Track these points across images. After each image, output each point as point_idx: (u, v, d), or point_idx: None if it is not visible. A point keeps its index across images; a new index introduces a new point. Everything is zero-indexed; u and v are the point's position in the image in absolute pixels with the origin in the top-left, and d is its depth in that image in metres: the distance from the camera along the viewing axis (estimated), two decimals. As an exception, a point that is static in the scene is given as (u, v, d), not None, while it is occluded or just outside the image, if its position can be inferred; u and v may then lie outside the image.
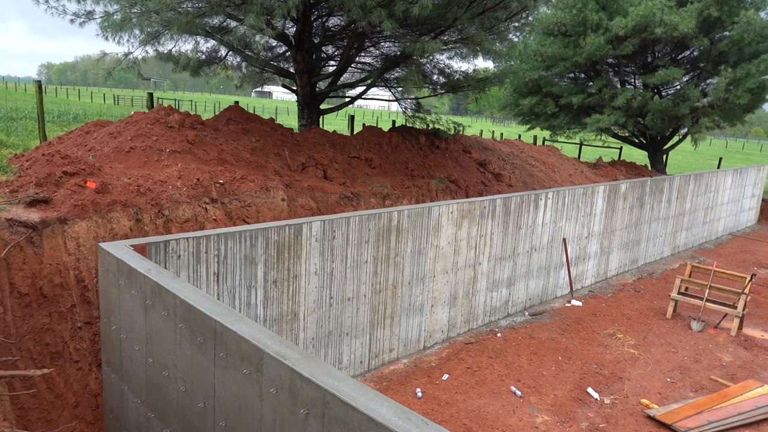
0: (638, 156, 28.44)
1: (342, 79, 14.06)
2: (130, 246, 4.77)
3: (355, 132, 16.31)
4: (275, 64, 13.40)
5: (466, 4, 9.56)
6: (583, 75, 21.68)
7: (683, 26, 16.65)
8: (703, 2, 17.42)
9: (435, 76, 13.99)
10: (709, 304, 9.37)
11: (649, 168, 22.30)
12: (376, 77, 12.86)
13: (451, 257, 8.02)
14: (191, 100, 60.81)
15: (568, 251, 10.39)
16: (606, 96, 18.81)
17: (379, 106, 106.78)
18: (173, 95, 76.88)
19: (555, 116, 20.63)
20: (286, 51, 13.89)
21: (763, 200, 20.67)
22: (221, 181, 7.83)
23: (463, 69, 13.78)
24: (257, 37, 8.01)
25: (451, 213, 7.84)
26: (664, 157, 23.27)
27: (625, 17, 17.48)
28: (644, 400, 6.69)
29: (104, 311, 4.85)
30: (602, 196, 11.08)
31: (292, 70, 13.81)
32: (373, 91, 14.90)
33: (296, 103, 13.40)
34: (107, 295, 4.73)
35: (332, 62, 14.14)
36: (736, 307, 9.18)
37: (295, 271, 6.10)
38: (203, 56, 12.95)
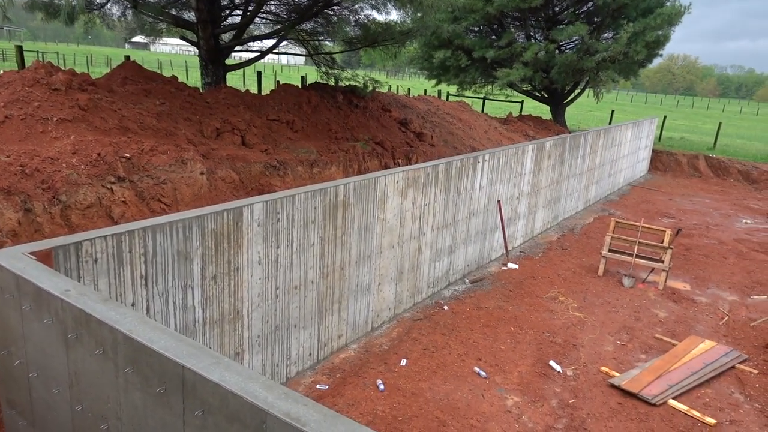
0: (536, 110, 29.26)
1: (248, 31, 12.68)
2: (30, 254, 3.65)
3: (262, 91, 14.98)
4: (170, 12, 11.70)
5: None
6: (489, 29, 21.51)
7: (589, -21, 16.74)
8: (606, -45, 17.61)
9: (350, 29, 12.98)
10: (637, 260, 9.59)
11: (552, 122, 22.90)
12: (290, 28, 11.64)
13: (397, 230, 7.41)
14: (57, 53, 54.15)
15: (503, 213, 10.17)
16: (516, 49, 18.76)
17: (285, 61, 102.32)
18: (33, 46, 68.06)
19: (465, 70, 20.37)
20: (182, -3, 12.20)
21: (652, 150, 21.99)
22: (127, 155, 6.57)
23: (380, 21, 12.89)
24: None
25: (397, 182, 7.18)
26: (564, 111, 23.99)
27: (534, -31, 17.29)
28: (604, 368, 6.61)
29: (0, 341, 3.72)
30: (531, 155, 10.92)
31: (189, 18, 12.18)
32: (282, 46, 13.62)
33: (197, 58, 11.88)
34: (4, 321, 3.60)
35: (237, 12, 12.64)
36: (662, 261, 9.47)
37: (237, 262, 5.19)
38: (79, 2, 10.99)
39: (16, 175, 5.36)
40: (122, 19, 13.24)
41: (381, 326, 7.42)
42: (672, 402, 6.03)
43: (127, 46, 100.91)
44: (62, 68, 7.65)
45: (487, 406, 5.71)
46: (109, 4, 11.97)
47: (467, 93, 23.12)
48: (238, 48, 13.00)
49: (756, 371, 6.86)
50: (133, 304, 4.38)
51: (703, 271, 10.48)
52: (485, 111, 25.13)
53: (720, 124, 27.60)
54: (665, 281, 9.47)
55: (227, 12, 12.90)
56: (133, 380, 2.81)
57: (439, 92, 25.93)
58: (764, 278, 10.29)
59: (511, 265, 9.99)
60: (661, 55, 20.91)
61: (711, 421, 5.76)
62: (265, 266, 5.50)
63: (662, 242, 9.80)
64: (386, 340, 7.00)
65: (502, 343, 7.05)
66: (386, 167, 10.84)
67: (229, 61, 12.77)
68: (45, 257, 3.73)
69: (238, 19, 12.71)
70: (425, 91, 26.91)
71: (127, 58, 10.53)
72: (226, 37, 12.40)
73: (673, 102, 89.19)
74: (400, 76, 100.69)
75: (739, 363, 7.04)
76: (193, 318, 4.91)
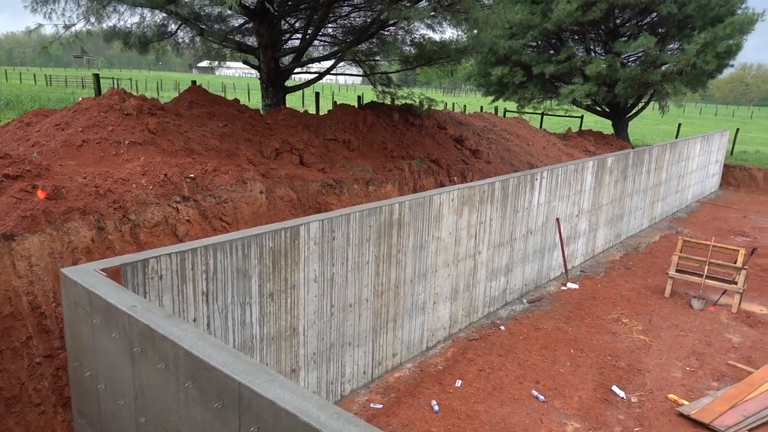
0: (597, 124, 28.49)
1: (306, 53, 13.04)
2: (101, 270, 3.85)
3: (320, 111, 15.32)
4: (234, 38, 12.21)
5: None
6: (547, 44, 21.21)
7: (652, -10, 16.27)
8: (670, -35, 17.06)
9: (407, 48, 13.12)
10: (708, 281, 9.10)
11: (614, 136, 22.22)
12: (346, 50, 11.87)
13: (452, 248, 7.35)
14: (130, 79, 57.45)
15: (562, 231, 9.92)
16: (576, 63, 18.39)
17: (342, 81, 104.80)
18: (109, 73, 72.59)
19: (524, 86, 20.13)
20: (244, 23, 12.70)
21: (723, 165, 20.93)
22: (192, 175, 6.86)
23: (435, 40, 12.96)
24: (219, 9, 6.92)
25: (452, 200, 7.15)
26: (627, 125, 23.23)
27: (593, -18, 16.96)
28: (671, 396, 6.28)
29: (73, 352, 3.94)
30: (591, 171, 10.63)
31: (251, 44, 12.66)
32: (339, 67, 13.92)
33: (258, 81, 12.30)
34: (76, 334, 3.81)
35: (297, 36, 13.05)
36: (736, 283, 8.94)
37: (293, 280, 5.29)
38: (151, 31, 11.64)
39: (91, 195, 5.70)
40: (190, 45, 13.92)
41: (436, 346, 7.35)
42: (748, 434, 5.65)
43: (194, 71, 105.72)
44: (134, 94, 8.11)
45: (546, 431, 5.53)
46: (179, 32, 12.62)
47: (526, 109, 22.81)
48: (297, 70, 13.39)
49: (844, 403, 6.33)
50: (194, 320, 4.54)
51: (781, 293, 9.83)
52: (543, 126, 24.69)
53: (799, 136, 25.94)
54: (739, 304, 8.93)
55: (287, 36, 13.32)
56: (192, 395, 2.90)
57: (496, 108, 25.72)
58: None
59: (570, 285, 9.70)
60: (732, 65, 19.97)
61: (792, 456, 5.36)
62: (321, 284, 5.58)
63: (735, 262, 9.27)
64: (441, 360, 6.93)
65: (562, 366, 6.83)
66: (441, 185, 10.81)
67: (288, 83, 13.14)
68: (114, 274, 3.93)
69: (297, 42, 13.10)
70: (481, 107, 26.74)
71: (194, 82, 11.04)
72: (285, 60, 12.79)
73: (747, 113, 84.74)
74: (456, 93, 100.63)
75: (824, 394, 6.52)
76: (251, 334, 5.03)
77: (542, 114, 25.48)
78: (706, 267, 9.20)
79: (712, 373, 6.91)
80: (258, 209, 7.40)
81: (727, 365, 7.13)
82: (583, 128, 24.24)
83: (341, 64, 13.81)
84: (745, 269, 8.95)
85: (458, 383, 6.34)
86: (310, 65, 13.30)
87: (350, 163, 9.78)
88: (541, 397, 6.08)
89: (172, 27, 12.08)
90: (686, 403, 6.13)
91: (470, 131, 14.71)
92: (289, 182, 8.25)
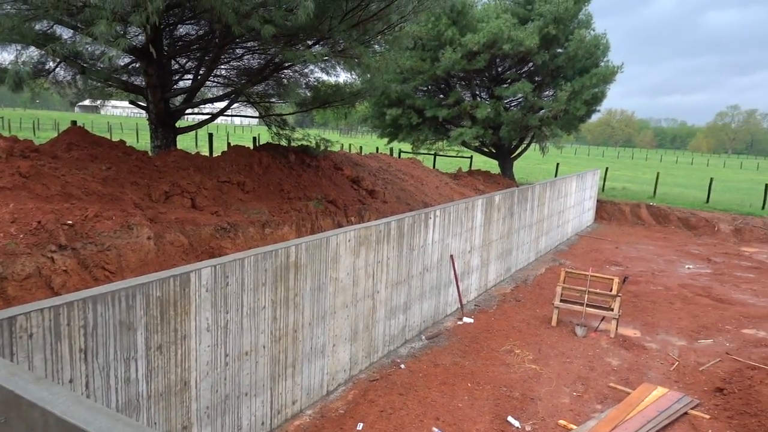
0: (486, 164, 30.18)
1: (199, 94, 12.76)
2: (-43, 332, 3.45)
3: (214, 153, 14.96)
4: (120, 77, 11.70)
5: (341, 14, 9.01)
6: (436, 89, 22.36)
7: (528, 42, 17.79)
8: (543, 21, 18.79)
9: (302, 91, 13.26)
10: (589, 309, 9.79)
11: (501, 176, 23.62)
12: (240, 91, 11.79)
13: (351, 289, 7.36)
14: (2, 117, 52.91)
15: (456, 267, 10.28)
16: (465, 108, 19.49)
17: (238, 122, 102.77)
18: (-24, 110, 66.34)
19: (417, 128, 20.97)
20: (130, 63, 12.24)
21: (597, 201, 22.86)
22: (70, 222, 6.39)
23: (330, 83, 13.24)
24: (107, 49, 6.64)
25: (349, 241, 7.19)
26: (512, 164, 24.83)
27: (475, 33, 18.24)
28: (561, 421, 6.60)
29: None
30: (481, 209, 11.18)
31: (138, 83, 12.20)
32: (234, 108, 13.75)
33: (146, 121, 11.82)
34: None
35: (188, 76, 12.75)
36: (612, 309, 9.69)
37: (184, 330, 5.03)
38: (27, 68, 10.86)
39: (-52, 247, 5.12)
40: (72, 84, 13.13)
41: (337, 389, 7.25)
42: (629, 452, 6.05)
43: (76, 109, 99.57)
44: (5, 135, 7.48)
45: (447, 467, 5.58)
46: (57, 69, 11.88)
47: (420, 150, 23.74)
48: (189, 111, 13.04)
49: (708, 416, 6.99)
50: (71, 381, 4.16)
51: (651, 317, 10.77)
52: (436, 166, 25.75)
53: (658, 173, 29.08)
54: (616, 329, 9.67)
55: (178, 76, 13.00)
56: (64, 467, 2.63)
57: (391, 150, 26.51)
58: (709, 322, 10.64)
59: (466, 319, 10.02)
60: (599, 111, 22.14)
61: (668, 469, 5.79)
62: (214, 333, 5.34)
63: (611, 290, 10.08)
64: (342, 404, 6.83)
65: (460, 401, 6.98)
66: (339, 225, 10.88)
67: (180, 123, 12.76)
68: (-26, 335, 3.53)
69: (188, 83, 12.81)
70: (377, 149, 27.45)
71: (74, 122, 10.40)
72: (176, 100, 12.44)
73: (614, 154, 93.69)
74: (353, 134, 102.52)
75: (692, 409, 7.17)
76: (137, 392, 4.68)
77: (435, 154, 26.62)
78: (586, 296, 9.91)
79: (596, 397, 7.37)
80: (146, 256, 7.01)
81: (608, 387, 7.64)
82: (472, 168, 25.58)
83: (236, 105, 13.66)
84: (620, 296, 9.75)
85: (360, 426, 6.26)
86: (202, 106, 13.02)
87: (245, 206, 9.59)
88: (442, 434, 6.16)
89: (51, 64, 11.37)
90: (575, 427, 6.47)
91: (367, 172, 15.00)
92: (180, 227, 7.92)
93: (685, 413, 7.03)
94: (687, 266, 15.32)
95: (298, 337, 6.50)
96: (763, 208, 23.82)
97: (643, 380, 7.93)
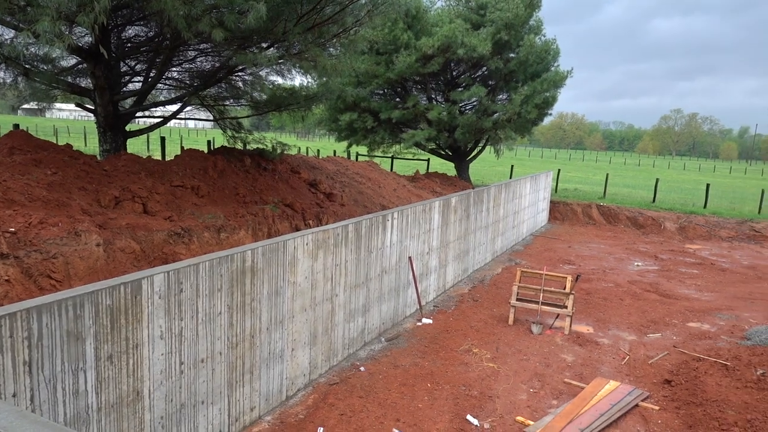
0: (442, 167, 30.52)
1: (150, 96, 12.44)
2: None
3: (167, 157, 14.61)
4: (65, 79, 11.28)
5: (295, 17, 8.95)
6: (392, 92, 22.48)
7: (481, 48, 18.09)
8: (495, 26, 19.15)
9: (256, 94, 13.10)
10: (544, 307, 10.01)
11: (458, 178, 23.92)
12: (192, 94, 11.55)
13: (309, 293, 7.31)
14: (-63, 120, 50.13)
15: (414, 269, 10.34)
16: (420, 111, 19.66)
17: (192, 125, 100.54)
18: None
19: (373, 131, 21.02)
20: (77, 64, 11.83)
21: (550, 201, 23.43)
22: (12, 229, 6.12)
23: (286, 86, 13.12)
24: (50, 48, 6.39)
25: (307, 244, 7.14)
26: (468, 167, 25.19)
27: (430, 37, 18.44)
28: (519, 418, 6.72)
29: None
30: (438, 210, 11.29)
31: (85, 85, 11.81)
32: (187, 111, 13.47)
33: (94, 124, 11.43)
34: None
35: (138, 78, 12.41)
36: (566, 307, 9.94)
37: (136, 339, 4.88)
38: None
39: None
40: (13, 86, 12.59)
41: (296, 394, 7.17)
42: (584, 445, 6.21)
43: (19, 112, 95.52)
44: (-62, 139, 7.11)
45: (408, 468, 5.60)
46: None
47: (377, 153, 23.80)
48: (140, 114, 12.70)
49: (657, 407, 7.25)
50: (14, 395, 3.98)
51: (603, 313, 11.10)
52: (394, 169, 25.87)
53: (607, 175, 30.03)
54: (570, 326, 9.92)
55: (127, 78, 12.64)
56: (8, 484, 2.51)
57: (349, 153, 26.50)
58: (657, 317, 11.05)
59: (425, 320, 10.09)
60: (550, 114, 22.70)
61: (620, 460, 5.97)
62: (168, 340, 5.21)
63: (565, 288, 10.33)
64: (302, 409, 6.76)
65: (420, 401, 7.02)
66: (297, 229, 10.79)
67: (131, 127, 12.40)
68: None
69: (139, 85, 12.47)
70: (334, 152, 27.37)
71: (16, 126, 9.97)
72: (126, 103, 12.09)
73: (566, 156, 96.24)
74: (310, 137, 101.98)
75: (642, 401, 7.41)
76: (86, 404, 4.51)
77: (392, 157, 26.73)
78: (541, 294, 10.14)
79: (552, 392, 7.54)
80: (95, 264, 6.78)
81: (563, 383, 7.83)
82: (429, 171, 25.82)
83: (189, 108, 13.39)
84: (573, 294, 10.01)
85: (320, 431, 6.21)
86: (154, 109, 12.70)
87: (200, 211, 9.40)
88: (402, 435, 6.18)
89: (-11, 66, 10.86)
90: (532, 423, 6.60)
91: (324, 175, 14.94)
92: (131, 233, 7.70)
93: (636, 405, 7.27)
94: (636, 264, 15.87)
95: (256, 343, 6.41)
96: (705, 206, 24.92)
97: (597, 375, 8.16)
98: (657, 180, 28.37)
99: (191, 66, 12.70)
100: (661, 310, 11.53)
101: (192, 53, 12.13)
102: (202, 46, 11.67)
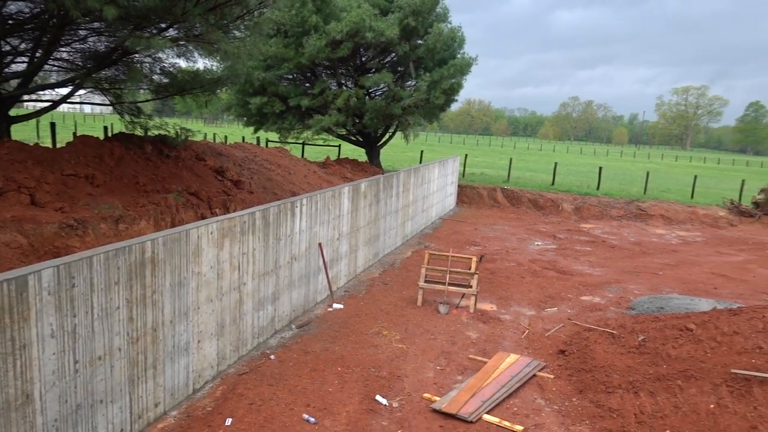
0: (354, 153, 30.63)
1: (37, 78, 11.53)
2: None
3: (58, 144, 13.64)
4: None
5: (195, -3, 8.60)
6: (302, 77, 22.20)
7: (389, 32, 18.25)
8: (403, 12, 19.37)
9: (157, 77, 12.49)
10: (450, 287, 10.41)
11: (369, 163, 24.12)
12: (85, 77, 10.83)
13: (215, 282, 7.16)
14: None
15: (325, 255, 10.38)
16: (329, 97, 19.57)
17: (89, 110, 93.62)
18: None
19: (283, 117, 20.68)
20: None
21: (458, 186, 24.21)
22: None
23: (189, 68, 12.60)
24: None
25: (211, 233, 6.97)
26: (379, 152, 25.44)
27: (339, 22, 18.35)
28: (426, 394, 6.99)
29: None
30: (347, 196, 11.37)
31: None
32: (80, 94, 12.60)
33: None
34: None
35: (22, 58, 11.44)
36: (471, 287, 10.39)
37: (23, 339, 4.58)
38: None
39: None
40: None
41: (204, 386, 7.03)
42: (486, 416, 6.57)
43: None
44: None
45: (318, 451, 5.68)
46: None
47: (288, 139, 23.46)
48: (26, 98, 11.74)
49: (552, 376, 7.79)
50: None
51: (505, 291, 11.70)
52: (305, 156, 25.65)
53: (511, 159, 31.43)
54: (475, 304, 10.38)
55: (9, 59, 11.63)
56: None
57: (258, 139, 25.92)
58: (554, 292, 11.81)
59: (336, 306, 10.18)
60: (457, 100, 23.37)
61: (519, 428, 6.38)
62: (60, 339, 4.93)
63: (470, 269, 10.78)
64: (210, 401, 6.65)
65: (330, 385, 7.11)
66: (203, 218, 10.48)
67: (16, 111, 11.44)
68: None
69: (24, 66, 11.51)
70: (243, 138, 26.66)
71: None
72: (10, 84, 11.12)
73: (474, 141, 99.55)
74: (218, 123, 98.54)
75: (539, 371, 7.94)
76: (-33, 411, 4.20)
77: (303, 144, 26.46)
78: (448, 275, 10.52)
79: (458, 368, 7.89)
80: (-26, 260, 6.26)
81: (468, 359, 8.22)
82: (341, 157, 25.83)
83: (83, 91, 12.54)
84: (477, 274, 10.47)
85: (228, 422, 6.15)
86: (41, 92, 11.78)
87: (96, 201, 8.89)
88: (312, 419, 6.24)
89: None
90: (438, 399, 6.89)
91: (231, 162, 14.56)
92: (17, 226, 7.16)
93: (534, 375, 7.77)
94: (536, 243, 16.81)
95: (159, 336, 6.21)
96: (598, 188, 26.76)
97: (499, 349, 8.63)
98: (556, 164, 30.07)
99: (83, 46, 11.87)
100: (558, 285, 12.33)
101: (83, 32, 11.34)
102: (95, 24, 10.94)
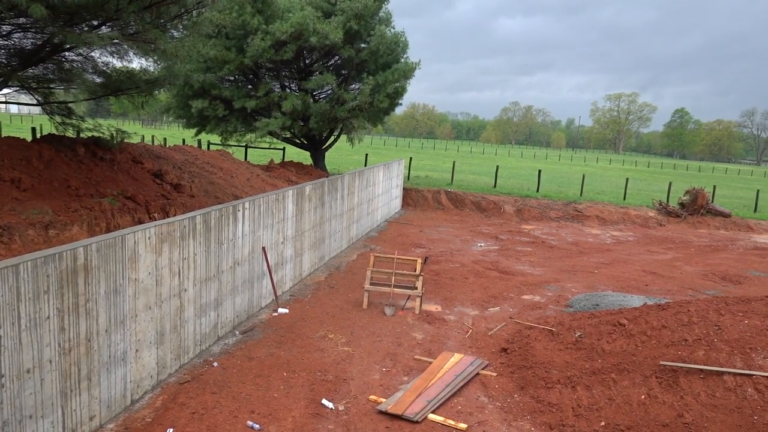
0: (299, 156, 30.37)
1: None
2: None
3: (-19, 143, 12.83)
4: None
5: (130, -5, 8.31)
6: (244, 79, 21.84)
7: (333, 35, 18.24)
8: (345, 16, 19.39)
9: (89, 76, 11.98)
10: (396, 290, 10.47)
11: (314, 166, 23.97)
12: (10, 75, 10.27)
13: (154, 289, 6.93)
14: None
15: (269, 259, 10.23)
16: (274, 99, 19.34)
17: (15, 110, 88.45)
18: None
19: (226, 120, 20.27)
20: None
21: (403, 189, 24.41)
22: None
23: (124, 68, 12.14)
24: None
25: (149, 238, 6.75)
26: (324, 155, 25.33)
27: (284, 22, 18.17)
28: (372, 396, 7.00)
29: None
30: (292, 200, 11.26)
31: None
32: (4, 93, 11.93)
33: None
34: None
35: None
36: (416, 288, 10.49)
37: (-59, 353, 4.29)
38: None
39: None
40: None
41: (143, 397, 6.79)
42: (431, 416, 6.65)
43: None
44: None
45: (262, 458, 5.59)
46: None
47: (230, 141, 23.00)
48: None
49: (495, 374, 7.97)
50: None
51: (450, 292, 11.88)
52: (248, 159, 25.21)
53: (454, 162, 31.96)
54: (420, 306, 10.49)
55: None
56: None
57: (199, 142, 25.30)
58: (497, 292, 12.08)
59: (281, 310, 10.05)
60: (401, 104, 23.57)
61: (463, 426, 6.49)
62: (-16, 352, 4.65)
63: (415, 271, 10.89)
64: (149, 412, 6.42)
65: (276, 391, 7.01)
66: (140, 222, 10.12)
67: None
68: None
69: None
70: (183, 140, 25.96)
71: None
72: None
73: (419, 144, 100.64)
74: (157, 125, 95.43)
75: (482, 369, 8.10)
76: None
77: (246, 146, 26.01)
78: (393, 277, 10.59)
79: (404, 369, 7.95)
80: None
81: (414, 360, 8.29)
82: (285, 160, 25.55)
83: (8, 90, 11.88)
84: (422, 275, 10.59)
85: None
86: (-41, 91, 11.07)
87: (23, 206, 8.44)
88: (257, 426, 6.14)
89: None
90: (384, 400, 6.91)
91: (171, 165, 14.14)
92: (-67, 233, 6.70)
93: (477, 374, 7.93)
94: (479, 244, 17.16)
95: (93, 347, 5.95)
96: (537, 190, 27.60)
97: (443, 349, 8.75)
98: (497, 167, 30.82)
99: (7, 42, 11.24)
100: (500, 285, 12.63)
101: (7, 28, 10.74)
102: (20, 20, 10.40)
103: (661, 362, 6.97)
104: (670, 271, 15.05)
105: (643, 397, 6.69)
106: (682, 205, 24.70)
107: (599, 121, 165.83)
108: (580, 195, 27.51)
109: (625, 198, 27.65)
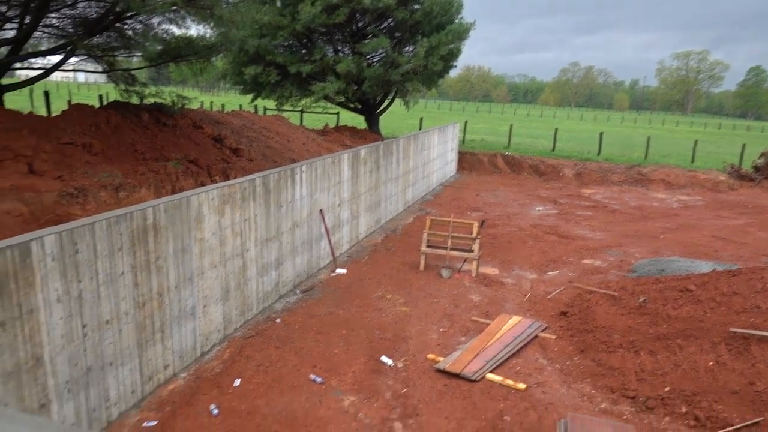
0: (353, 120, 30.38)
1: (28, 46, 11.33)
2: None
3: (53, 113, 13.50)
4: None
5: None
6: (298, 44, 21.86)
7: (387, -3, 17.87)
8: (399, -25, 18.94)
9: (150, 44, 12.27)
10: (452, 252, 10.44)
11: (368, 131, 23.94)
12: (77, 43, 10.64)
13: (218, 249, 7.17)
14: None
15: (326, 221, 10.38)
16: (328, 63, 19.30)
17: (83, 79, 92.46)
18: None
19: (281, 85, 20.44)
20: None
21: (458, 152, 24.08)
22: None
23: (182, 35, 12.37)
24: None
25: (212, 200, 6.95)
26: (378, 120, 25.23)
27: (335, -14, 17.97)
28: (430, 355, 7.07)
29: None
30: (347, 163, 11.30)
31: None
32: (72, 62, 12.41)
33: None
34: None
35: (11, 25, 11.21)
36: (473, 251, 10.42)
37: (30, 304, 4.61)
38: None
39: None
40: None
41: (211, 349, 7.11)
42: (489, 375, 6.66)
43: None
44: None
45: (325, 410, 5.78)
46: None
47: (285, 107, 23.23)
48: (18, 65, 11.57)
49: (554, 337, 7.88)
50: None
51: (507, 255, 11.75)
52: (303, 124, 25.44)
53: (512, 125, 31.20)
54: (477, 269, 10.43)
55: (-1, 25, 11.41)
56: None
57: (256, 107, 25.67)
58: (555, 256, 11.85)
59: (339, 271, 10.22)
60: (455, 66, 23.05)
61: (522, 386, 6.48)
62: (67, 304, 4.96)
63: (471, 234, 10.80)
64: (218, 363, 6.73)
65: (336, 347, 7.19)
66: (203, 185, 10.44)
67: (7, 80, 11.28)
68: None
69: (13, 33, 11.30)
70: (240, 106, 26.40)
71: None
72: (0, 53, 10.94)
73: (474, 108, 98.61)
74: (215, 92, 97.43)
75: (541, 332, 8.02)
76: (-22, 374, 4.24)
77: (301, 111, 26.21)
78: (450, 240, 10.54)
79: (461, 330, 7.97)
80: (-24, 228, 6.25)
81: (471, 321, 8.30)
82: (339, 124, 25.62)
83: (76, 59, 12.35)
84: (479, 238, 10.49)
85: (237, 382, 6.24)
86: (32, 60, 11.60)
87: (94, 169, 8.84)
88: (319, 380, 6.33)
89: None
90: (442, 359, 6.97)
91: (229, 130, 14.44)
92: (16, 194, 7.14)
93: (536, 336, 7.86)
94: (537, 208, 16.82)
95: (165, 301, 6.24)
96: (598, 154, 26.64)
97: (501, 312, 8.70)
98: (556, 130, 29.88)
99: (72, 12, 11.63)
100: (560, 249, 12.38)
101: (72, -2, 11.11)
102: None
103: (731, 329, 6.70)
104: (742, 236, 14.31)
105: (711, 363, 6.46)
106: (756, 168, 23.27)
107: (666, 81, 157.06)
108: (645, 158, 26.38)
109: (693, 161, 26.33)
